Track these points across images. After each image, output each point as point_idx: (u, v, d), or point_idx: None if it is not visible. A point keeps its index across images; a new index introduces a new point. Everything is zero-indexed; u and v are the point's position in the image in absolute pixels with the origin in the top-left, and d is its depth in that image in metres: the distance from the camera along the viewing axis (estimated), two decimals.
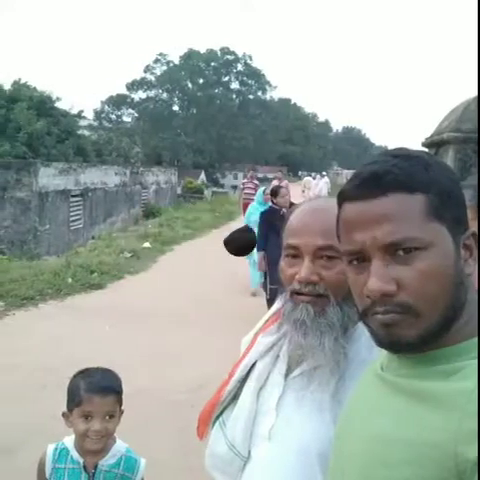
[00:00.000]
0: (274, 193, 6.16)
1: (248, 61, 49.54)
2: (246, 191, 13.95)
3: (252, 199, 13.57)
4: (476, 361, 0.69)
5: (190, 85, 49.00)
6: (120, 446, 1.72)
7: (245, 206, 13.79)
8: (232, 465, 1.12)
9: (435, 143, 5.03)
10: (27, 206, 11.79)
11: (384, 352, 0.80)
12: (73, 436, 1.68)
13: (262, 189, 8.05)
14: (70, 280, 7.44)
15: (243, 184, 14.78)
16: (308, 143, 62.88)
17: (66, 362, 4.27)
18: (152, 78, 48.92)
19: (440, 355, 0.72)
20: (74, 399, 1.63)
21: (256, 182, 14.26)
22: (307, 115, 72.56)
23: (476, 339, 0.72)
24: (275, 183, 11.55)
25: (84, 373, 1.70)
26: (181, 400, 3.94)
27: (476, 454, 0.61)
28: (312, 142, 64.31)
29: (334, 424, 0.93)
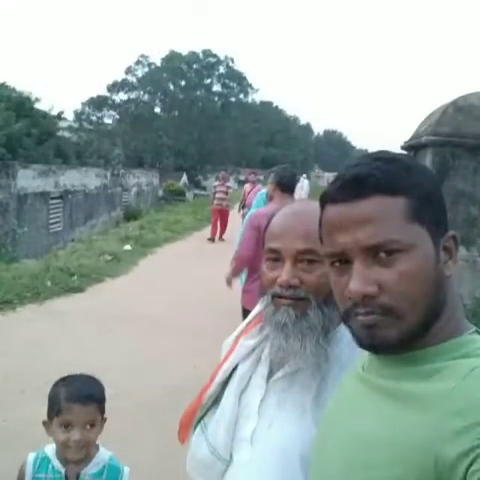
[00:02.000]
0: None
1: (230, 64, 49.55)
2: (218, 196, 12.46)
3: (223, 206, 12.20)
4: (455, 361, 0.70)
5: (172, 87, 48.83)
6: (103, 454, 1.67)
7: (215, 213, 12.40)
8: (214, 469, 1.11)
9: (413, 146, 5.10)
10: (5, 208, 11.61)
11: (366, 353, 0.80)
12: (54, 444, 1.65)
13: (264, 192, 7.96)
14: (49, 283, 7.33)
15: (214, 188, 12.97)
16: (290, 146, 63.08)
17: (45, 366, 4.21)
18: (134, 80, 48.61)
19: (420, 356, 0.73)
20: (54, 408, 1.59)
21: (229, 185, 13.21)
22: (289, 118, 72.83)
23: (455, 340, 0.73)
24: (247, 186, 10.82)
25: (65, 381, 1.66)
26: (163, 403, 3.91)
27: (455, 454, 0.61)
28: (294, 145, 64.54)
29: (316, 426, 0.93)
